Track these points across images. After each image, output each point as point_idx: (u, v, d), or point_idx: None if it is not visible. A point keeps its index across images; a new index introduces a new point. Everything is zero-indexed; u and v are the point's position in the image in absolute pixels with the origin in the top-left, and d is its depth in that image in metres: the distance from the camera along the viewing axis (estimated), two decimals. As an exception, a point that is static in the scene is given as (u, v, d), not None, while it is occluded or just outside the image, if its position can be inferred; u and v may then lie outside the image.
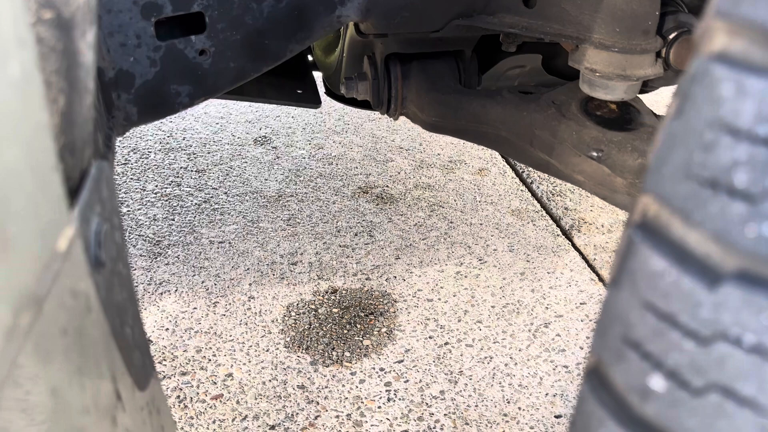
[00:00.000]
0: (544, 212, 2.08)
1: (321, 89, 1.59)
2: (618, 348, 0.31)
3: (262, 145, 2.48)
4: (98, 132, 0.50)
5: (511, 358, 1.48)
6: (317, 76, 1.66)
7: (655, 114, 1.10)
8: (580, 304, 1.66)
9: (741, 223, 0.25)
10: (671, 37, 1.05)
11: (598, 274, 1.78)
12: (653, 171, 0.30)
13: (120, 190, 2.12)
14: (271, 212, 2.03)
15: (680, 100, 0.31)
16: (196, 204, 2.07)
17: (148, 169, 2.28)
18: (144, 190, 2.14)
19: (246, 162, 2.34)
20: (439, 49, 1.26)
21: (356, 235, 1.93)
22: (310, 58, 1.70)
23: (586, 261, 1.84)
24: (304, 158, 2.38)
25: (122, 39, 0.83)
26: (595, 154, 1.03)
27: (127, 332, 0.48)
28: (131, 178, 2.20)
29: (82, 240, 0.35)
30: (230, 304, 1.63)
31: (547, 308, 1.64)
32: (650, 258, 0.29)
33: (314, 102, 1.64)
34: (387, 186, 2.21)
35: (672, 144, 0.30)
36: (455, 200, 2.13)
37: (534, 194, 2.19)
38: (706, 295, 0.27)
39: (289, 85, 1.66)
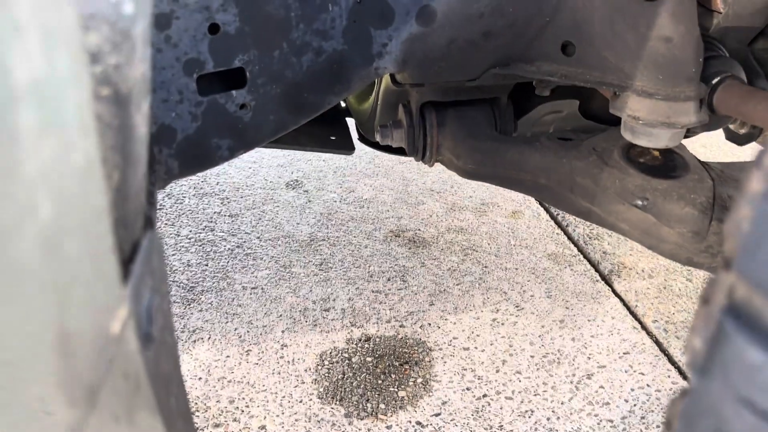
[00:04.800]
0: (581, 256, 2.03)
1: (354, 135, 1.60)
2: (710, 444, 0.28)
3: (293, 188, 2.50)
4: (149, 201, 0.50)
5: (553, 411, 1.42)
6: (350, 122, 1.67)
7: (699, 161, 1.07)
8: (624, 353, 1.60)
9: None
10: (714, 82, 1.03)
11: (640, 322, 1.72)
12: (745, 253, 0.27)
13: (155, 236, 2.14)
14: (304, 257, 2.02)
15: None
16: (229, 249, 2.07)
17: (183, 214, 2.30)
18: (178, 235, 2.16)
19: (278, 206, 2.36)
20: (474, 96, 1.26)
21: (389, 280, 1.91)
22: (343, 104, 1.71)
23: (628, 308, 1.78)
24: (335, 201, 2.39)
25: (164, 95, 0.84)
26: (639, 202, 1.00)
27: (172, 402, 0.46)
28: (166, 224, 2.23)
29: (134, 318, 0.34)
30: (263, 352, 1.61)
31: (589, 358, 1.58)
32: (746, 349, 0.26)
33: (348, 148, 1.65)
34: (419, 229, 2.19)
35: None
36: (489, 244, 2.10)
37: (570, 237, 2.14)
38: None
39: (322, 131, 1.68)
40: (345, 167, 2.68)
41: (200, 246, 2.09)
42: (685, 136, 1.15)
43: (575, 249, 2.07)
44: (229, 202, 2.38)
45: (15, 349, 0.24)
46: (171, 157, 0.88)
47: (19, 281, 0.22)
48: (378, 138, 1.34)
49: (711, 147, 2.83)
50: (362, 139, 1.62)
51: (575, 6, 0.98)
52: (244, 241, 2.12)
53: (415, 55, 1.01)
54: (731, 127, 1.25)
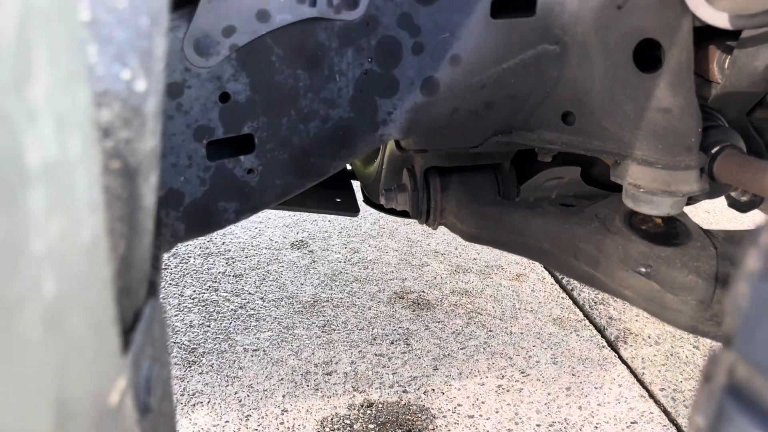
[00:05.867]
0: (587, 321, 2.01)
1: (359, 197, 1.62)
2: None
3: (298, 249, 2.50)
4: (154, 266, 0.50)
5: (560, 484, 1.37)
6: (356, 184, 1.70)
7: (702, 229, 1.07)
8: (631, 423, 1.56)
9: None
10: (714, 151, 1.04)
11: (648, 390, 1.68)
12: (744, 332, 0.27)
13: (158, 295, 2.13)
14: (307, 318, 2.01)
15: None
16: (232, 310, 2.06)
17: (187, 274, 2.30)
18: (182, 295, 2.15)
19: (283, 266, 2.36)
20: (477, 162, 1.28)
21: (392, 343, 1.89)
22: (348, 167, 1.74)
23: (635, 375, 1.74)
24: (339, 262, 2.39)
25: (174, 160, 0.86)
26: (643, 269, 1.00)
27: (166, 474, 0.46)
28: (170, 284, 2.23)
29: (132, 389, 0.34)
30: (263, 417, 1.58)
31: (596, 428, 1.54)
32: (748, 431, 0.26)
33: (353, 210, 1.66)
34: (423, 291, 2.18)
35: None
36: (494, 307, 2.08)
37: (575, 302, 2.12)
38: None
39: (328, 193, 1.70)
40: (350, 228, 2.70)
41: (203, 306, 2.08)
42: (688, 203, 1.16)
43: (581, 314, 2.05)
44: (234, 262, 2.39)
45: (11, 421, 0.24)
46: (178, 220, 0.89)
47: (19, 355, 0.23)
48: (383, 201, 1.36)
49: (714, 212, 2.84)
50: (367, 201, 1.64)
51: (575, 78, 1.01)
52: (248, 302, 2.11)
53: (419, 123, 1.03)
54: (733, 194, 1.26)
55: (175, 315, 2.03)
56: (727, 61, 1.11)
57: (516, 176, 1.37)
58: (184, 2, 0.95)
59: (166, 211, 0.87)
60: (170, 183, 0.87)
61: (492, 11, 0.94)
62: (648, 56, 1.00)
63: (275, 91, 0.91)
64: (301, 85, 0.93)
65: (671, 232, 1.05)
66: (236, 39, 0.84)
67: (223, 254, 2.46)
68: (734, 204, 1.32)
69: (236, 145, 0.93)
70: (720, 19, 0.83)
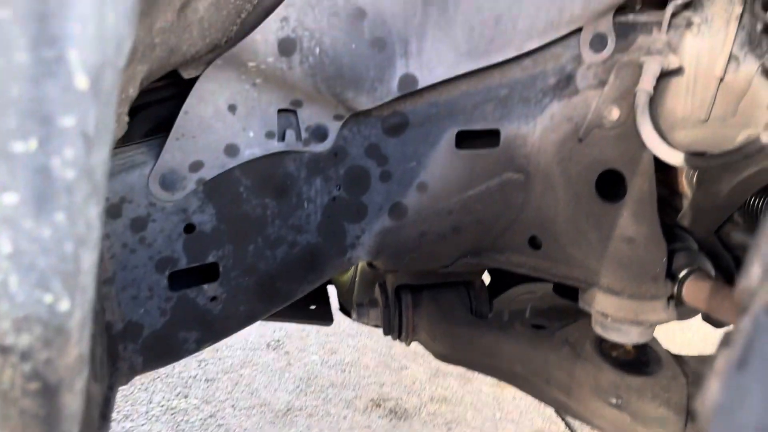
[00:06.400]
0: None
1: (335, 303, 1.60)
2: None
3: (274, 349, 2.44)
4: (102, 415, 0.48)
5: None
6: (332, 290, 1.68)
7: (672, 354, 1.06)
8: None
9: None
10: (681, 276, 1.05)
11: None
12: (718, 423, 0.27)
13: (126, 402, 2.05)
14: (278, 429, 1.93)
15: (742, 352, 0.30)
16: (201, 419, 1.98)
17: (158, 378, 2.23)
18: (150, 402, 2.07)
19: (257, 369, 2.29)
20: (449, 279, 1.28)
21: (367, 456, 1.81)
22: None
23: (619, 493, 1.67)
24: (316, 365, 2.33)
25: (134, 292, 0.85)
26: (614, 400, 0.98)
27: None
28: (139, 389, 2.15)
29: None
30: None
31: None
32: None
33: (327, 320, 1.63)
34: (401, 398, 2.12)
35: (741, 397, 0.28)
36: (473, 416, 2.02)
37: (557, 412, 2.07)
38: None
39: (302, 300, 1.67)
40: (328, 327, 2.65)
41: (171, 415, 2.00)
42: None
43: (563, 425, 1.99)
44: (206, 365, 2.32)
45: None
46: (136, 353, 0.86)
47: None
48: (354, 317, 1.34)
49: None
50: (342, 309, 1.62)
51: (540, 205, 1.03)
52: (218, 410, 2.03)
53: (388, 247, 1.03)
54: (705, 311, 1.26)
55: (142, 425, 1.94)
56: (694, 177, 1.13)
57: (489, 291, 1.37)
58: (157, 129, 0.97)
59: (124, 345, 0.85)
60: (129, 315, 0.85)
61: (457, 142, 0.97)
62: (611, 185, 1.03)
63: (242, 220, 0.91)
64: (269, 213, 0.93)
65: (642, 359, 1.03)
66: (204, 173, 0.85)
67: (196, 356, 2.39)
68: (708, 319, 1.32)
69: (200, 274, 0.92)
70: (676, 159, 0.86)
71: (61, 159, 0.29)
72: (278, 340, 2.51)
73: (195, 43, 0.66)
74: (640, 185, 0.99)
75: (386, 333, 1.31)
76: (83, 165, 0.30)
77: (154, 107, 0.94)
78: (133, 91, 0.57)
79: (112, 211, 0.80)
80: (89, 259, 0.35)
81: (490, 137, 0.99)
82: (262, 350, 2.43)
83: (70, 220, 0.31)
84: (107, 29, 0.29)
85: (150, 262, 0.85)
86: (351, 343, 2.50)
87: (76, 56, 0.27)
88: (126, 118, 0.59)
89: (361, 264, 1.41)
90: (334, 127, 0.90)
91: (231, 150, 0.85)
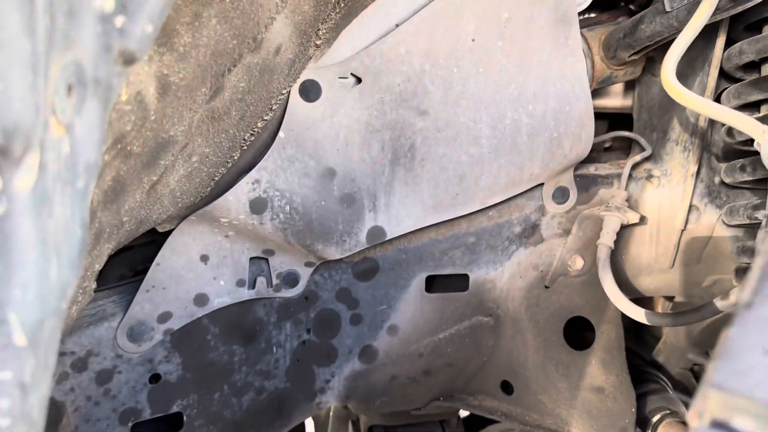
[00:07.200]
0: None
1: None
2: None
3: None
4: None
5: None
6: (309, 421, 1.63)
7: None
8: None
9: None
10: (655, 420, 1.04)
11: None
12: None
13: None
14: None
15: None
16: None
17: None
18: None
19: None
20: (423, 420, 1.26)
21: None
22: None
23: None
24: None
25: (94, 445, 0.83)
26: None
27: None
28: None
29: None
30: None
31: None
32: None
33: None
34: None
35: None
36: None
37: None
38: None
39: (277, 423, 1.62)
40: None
41: None
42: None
43: None
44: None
45: None
46: None
47: None
48: (327, 455, 1.30)
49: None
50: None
51: (511, 348, 1.04)
52: None
53: (358, 390, 1.03)
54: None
55: None
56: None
57: (467, 424, 1.34)
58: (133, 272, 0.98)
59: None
60: (86, 472, 0.83)
61: (427, 287, 0.99)
62: (580, 331, 1.04)
63: (208, 368, 0.91)
64: (236, 360, 0.93)
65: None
66: (172, 324, 0.85)
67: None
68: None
69: (164, 424, 0.90)
70: (638, 315, 0.87)
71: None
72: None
73: (166, 210, 0.69)
74: (608, 333, 1.00)
75: (359, 475, 1.27)
76: (19, 412, 0.31)
77: (130, 251, 0.96)
78: (99, 266, 0.59)
79: (78, 365, 0.80)
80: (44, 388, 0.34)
81: (459, 281, 1.01)
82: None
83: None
84: (50, 284, 0.31)
85: (114, 414, 0.84)
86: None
87: (15, 319, 0.28)
88: (92, 287, 0.60)
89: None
90: (305, 274, 0.92)
91: (201, 300, 0.87)
